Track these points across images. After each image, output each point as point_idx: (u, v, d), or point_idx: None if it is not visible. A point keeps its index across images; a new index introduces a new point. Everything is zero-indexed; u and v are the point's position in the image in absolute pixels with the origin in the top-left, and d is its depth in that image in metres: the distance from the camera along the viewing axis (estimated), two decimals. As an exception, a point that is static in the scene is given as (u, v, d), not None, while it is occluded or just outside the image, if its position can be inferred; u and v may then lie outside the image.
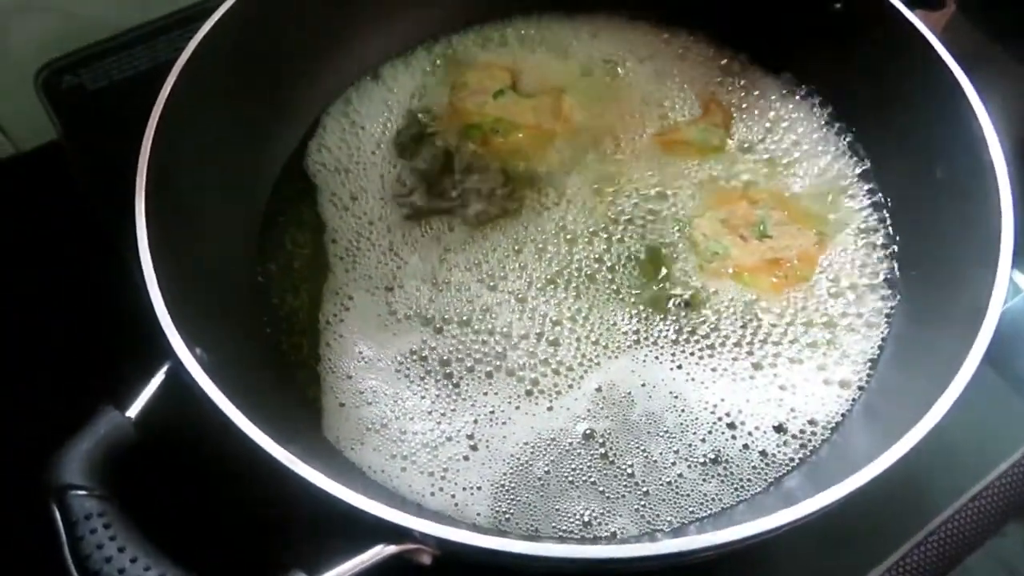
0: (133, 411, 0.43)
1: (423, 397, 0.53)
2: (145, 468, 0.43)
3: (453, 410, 0.53)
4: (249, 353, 0.54)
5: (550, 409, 0.52)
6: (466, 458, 0.51)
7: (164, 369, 0.44)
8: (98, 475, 0.40)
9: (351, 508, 0.39)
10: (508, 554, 0.39)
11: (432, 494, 0.50)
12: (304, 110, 0.65)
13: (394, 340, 0.55)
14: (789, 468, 0.51)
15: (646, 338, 0.55)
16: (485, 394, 0.53)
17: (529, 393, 0.53)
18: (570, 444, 0.51)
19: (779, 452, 0.51)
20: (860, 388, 0.53)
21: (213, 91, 0.55)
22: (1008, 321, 0.61)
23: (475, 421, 0.52)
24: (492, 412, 0.53)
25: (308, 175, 0.63)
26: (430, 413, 0.52)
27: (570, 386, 0.53)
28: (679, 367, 0.54)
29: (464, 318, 0.56)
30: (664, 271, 0.57)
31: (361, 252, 0.59)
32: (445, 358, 0.55)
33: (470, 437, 0.52)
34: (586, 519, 0.49)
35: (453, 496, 0.50)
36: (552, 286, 0.57)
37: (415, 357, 0.55)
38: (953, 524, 0.57)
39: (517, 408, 0.52)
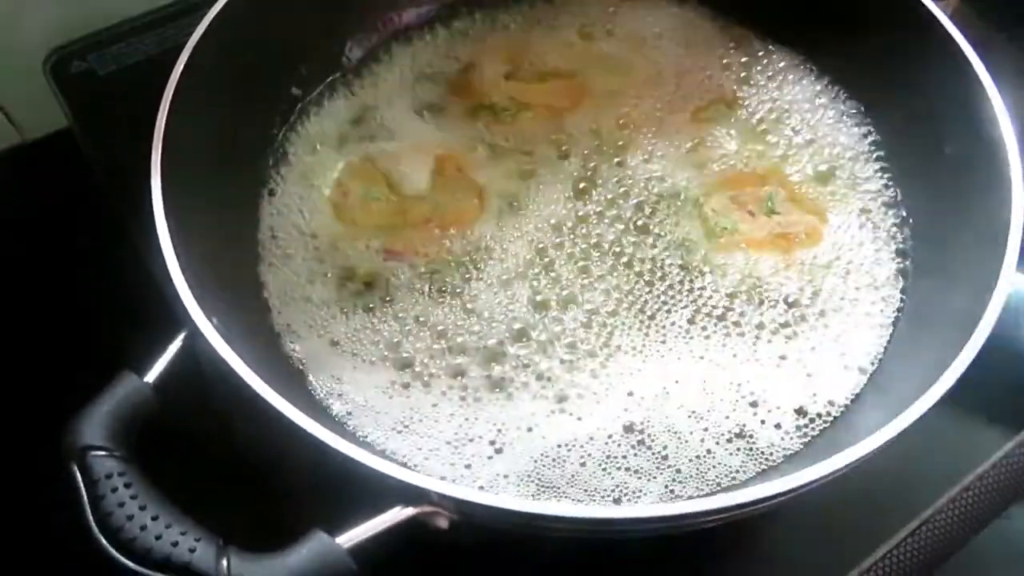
0: (151, 376, 0.43)
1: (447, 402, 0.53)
2: (165, 434, 0.43)
3: (476, 418, 0.52)
4: (258, 326, 0.54)
5: (580, 419, 0.52)
6: (490, 457, 0.51)
7: (181, 337, 0.45)
8: (118, 437, 0.40)
9: (370, 471, 0.40)
10: (525, 514, 0.39)
11: (454, 480, 0.50)
12: (312, 84, 0.65)
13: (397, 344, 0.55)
14: (804, 444, 0.51)
15: (661, 326, 0.55)
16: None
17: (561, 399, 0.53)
18: (609, 437, 0.51)
19: (796, 428, 0.52)
20: (873, 364, 0.54)
21: (225, 66, 0.56)
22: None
23: (503, 426, 0.52)
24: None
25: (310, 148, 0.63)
26: (452, 415, 0.52)
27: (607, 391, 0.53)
28: (704, 353, 0.54)
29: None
30: (675, 247, 0.58)
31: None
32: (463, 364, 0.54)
33: (492, 443, 0.51)
34: (615, 496, 0.49)
35: (476, 480, 0.50)
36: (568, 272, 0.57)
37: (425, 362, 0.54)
38: (956, 505, 0.57)
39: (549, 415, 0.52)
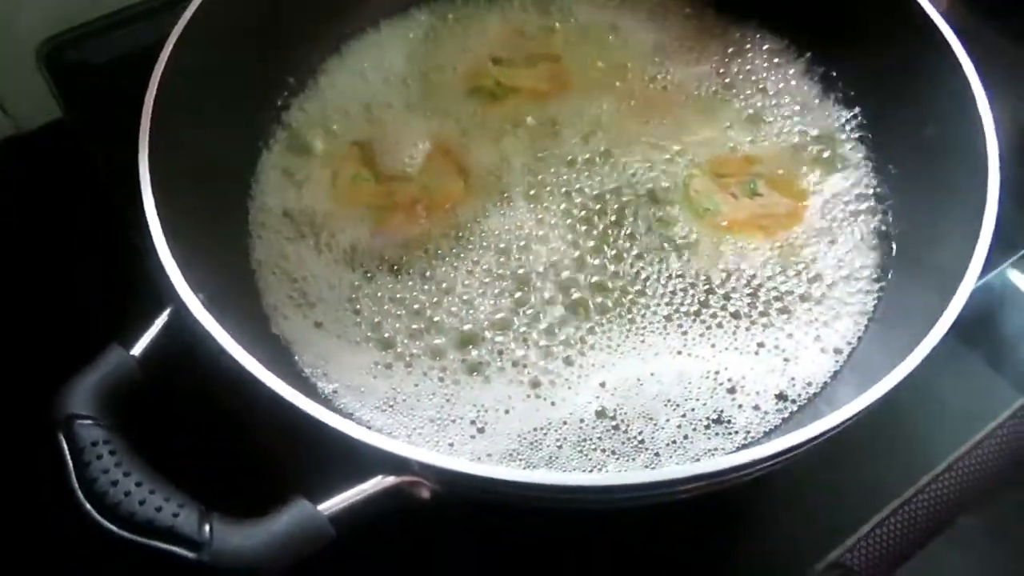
0: (137, 350, 0.44)
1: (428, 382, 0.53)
2: (151, 405, 0.44)
3: (458, 399, 0.53)
4: (245, 307, 0.55)
5: (553, 404, 0.52)
6: (472, 436, 0.51)
7: (167, 311, 0.45)
8: (104, 407, 0.41)
9: (352, 440, 0.40)
10: (504, 482, 0.39)
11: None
12: (301, 68, 0.66)
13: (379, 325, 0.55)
14: (782, 420, 0.52)
15: (643, 315, 0.55)
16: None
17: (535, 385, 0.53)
18: (583, 421, 0.51)
19: (775, 411, 0.52)
20: (850, 345, 0.54)
21: (211, 55, 0.56)
22: (980, 298, 0.63)
23: (482, 408, 0.52)
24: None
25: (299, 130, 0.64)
26: (433, 395, 0.53)
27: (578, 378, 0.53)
28: (682, 348, 0.54)
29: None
30: (659, 232, 0.58)
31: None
32: (442, 345, 0.55)
33: (473, 423, 0.52)
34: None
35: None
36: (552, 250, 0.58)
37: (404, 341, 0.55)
38: (939, 485, 0.58)
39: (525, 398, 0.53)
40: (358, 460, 0.41)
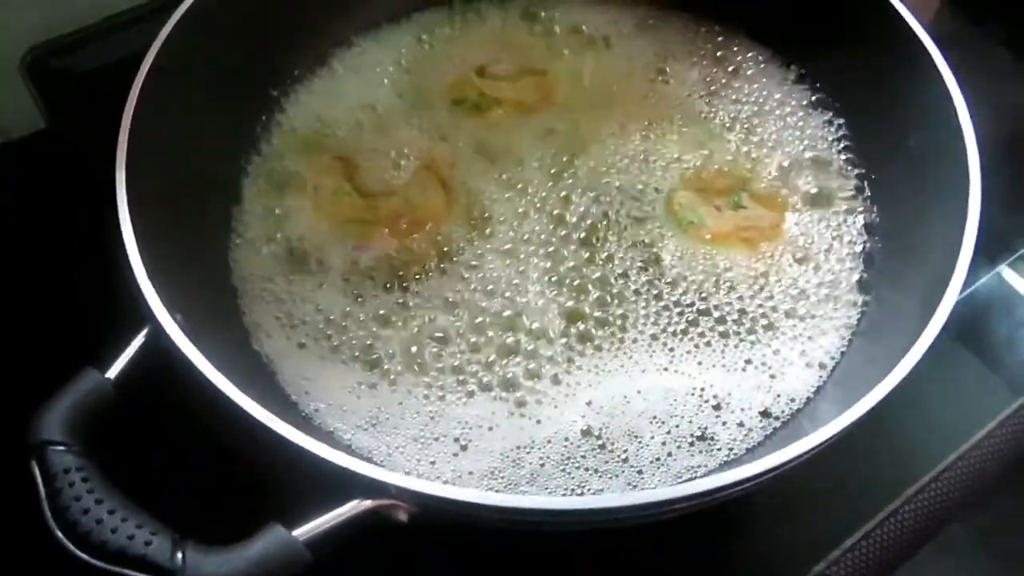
0: (113, 372, 0.44)
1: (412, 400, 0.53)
2: (125, 429, 0.43)
3: (442, 416, 0.52)
4: (226, 323, 0.54)
5: (538, 423, 0.52)
6: (455, 454, 0.51)
7: (144, 333, 0.45)
8: (78, 432, 0.41)
9: (327, 464, 0.40)
10: (481, 507, 0.39)
11: (419, 476, 0.50)
12: (284, 81, 0.66)
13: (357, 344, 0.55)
14: (765, 437, 0.52)
15: (630, 333, 0.55)
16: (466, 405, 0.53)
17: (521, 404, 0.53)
18: (567, 439, 0.51)
19: (757, 423, 0.52)
20: (834, 360, 0.54)
21: (192, 66, 0.56)
22: (980, 299, 0.63)
23: (466, 426, 0.52)
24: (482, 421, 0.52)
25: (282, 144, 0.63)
26: (417, 414, 0.52)
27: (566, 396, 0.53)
28: (669, 365, 0.54)
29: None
30: (642, 239, 0.58)
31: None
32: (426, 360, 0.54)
33: (457, 440, 0.51)
34: (580, 493, 0.49)
35: (440, 476, 0.50)
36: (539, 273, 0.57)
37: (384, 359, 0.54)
38: (929, 493, 0.58)
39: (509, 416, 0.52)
40: (335, 483, 0.40)
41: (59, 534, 0.37)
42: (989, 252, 0.64)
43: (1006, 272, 0.65)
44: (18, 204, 0.67)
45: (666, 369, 0.53)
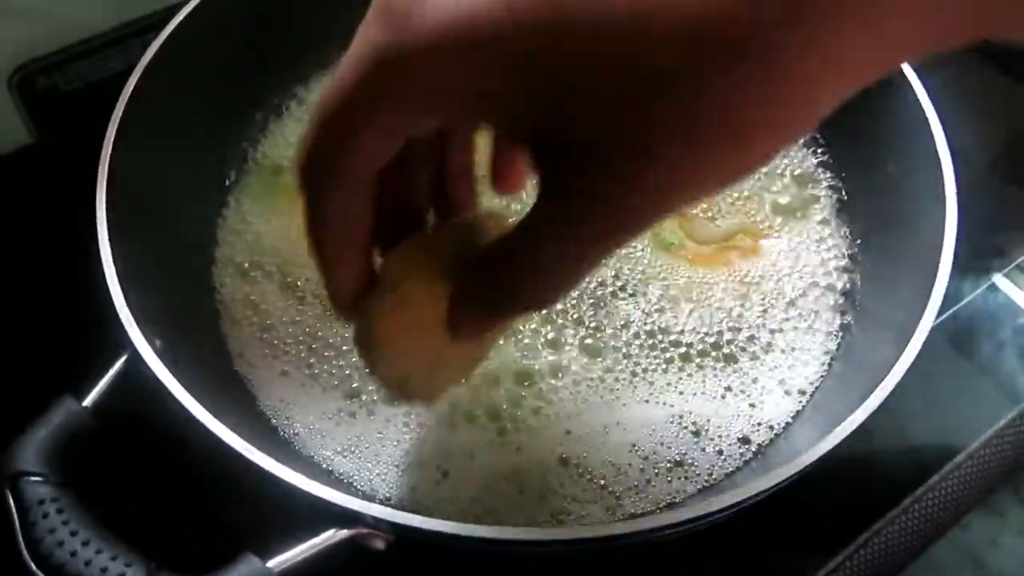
0: (90, 400, 0.43)
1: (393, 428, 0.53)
2: (102, 457, 0.43)
3: (424, 443, 0.52)
4: (207, 347, 0.54)
5: (518, 450, 0.52)
6: (437, 482, 0.51)
7: (122, 360, 0.45)
8: (53, 463, 0.40)
9: (303, 493, 0.40)
10: (458, 537, 0.39)
11: (400, 502, 0.50)
12: (269, 102, 0.66)
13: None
14: (744, 463, 0.52)
15: (612, 364, 0.55)
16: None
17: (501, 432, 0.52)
18: (547, 468, 0.51)
19: (735, 451, 0.52)
20: (813, 385, 0.54)
21: (177, 88, 0.56)
22: (975, 309, 0.63)
23: (447, 454, 0.52)
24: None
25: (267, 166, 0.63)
26: (399, 442, 0.52)
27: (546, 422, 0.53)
28: (649, 396, 0.54)
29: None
30: (626, 273, 0.58)
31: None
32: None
33: (439, 467, 0.51)
34: (559, 519, 0.49)
35: (420, 503, 0.50)
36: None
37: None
38: (916, 510, 0.57)
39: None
40: (311, 512, 0.40)
41: (33, 566, 0.37)
42: (984, 262, 0.65)
43: (1003, 282, 0.65)
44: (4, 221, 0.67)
45: (647, 401, 0.53)
